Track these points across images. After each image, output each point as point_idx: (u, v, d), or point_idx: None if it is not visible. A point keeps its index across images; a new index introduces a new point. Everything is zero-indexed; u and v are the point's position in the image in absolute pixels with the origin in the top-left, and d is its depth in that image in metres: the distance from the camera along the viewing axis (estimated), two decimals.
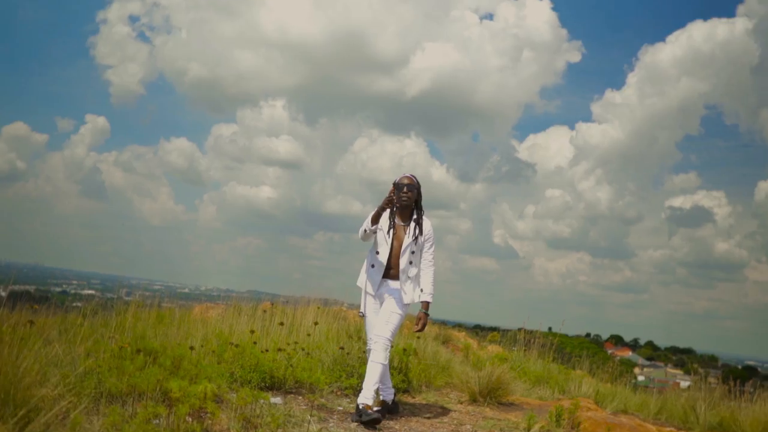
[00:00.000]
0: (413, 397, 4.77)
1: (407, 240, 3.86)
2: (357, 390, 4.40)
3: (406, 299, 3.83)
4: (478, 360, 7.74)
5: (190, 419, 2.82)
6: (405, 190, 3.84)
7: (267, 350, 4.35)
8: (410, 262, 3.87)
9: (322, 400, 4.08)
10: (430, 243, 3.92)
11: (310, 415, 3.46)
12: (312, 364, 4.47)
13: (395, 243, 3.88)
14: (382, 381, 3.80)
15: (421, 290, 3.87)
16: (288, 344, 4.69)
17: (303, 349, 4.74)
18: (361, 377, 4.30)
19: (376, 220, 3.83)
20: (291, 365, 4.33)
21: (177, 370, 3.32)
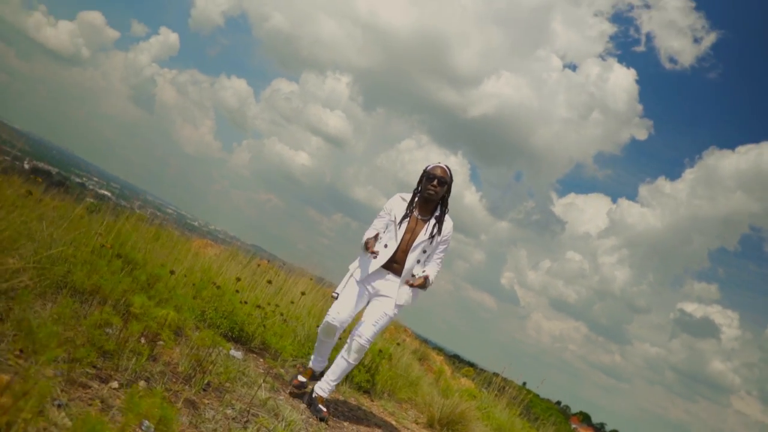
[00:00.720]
0: (372, 401, 4.57)
1: (422, 236, 3.40)
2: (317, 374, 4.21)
3: (401, 300, 3.40)
4: (447, 387, 7.52)
5: (143, 340, 2.66)
6: (435, 182, 3.38)
7: (246, 302, 4.18)
8: (418, 261, 3.42)
9: (282, 370, 3.90)
10: (445, 246, 3.49)
11: (263, 381, 3.27)
12: (285, 332, 4.29)
13: (407, 236, 3.41)
14: (320, 353, 3.56)
15: (423, 271, 3.43)
16: (269, 304, 4.52)
17: (282, 315, 4.57)
18: (330, 361, 4.05)
19: (366, 246, 3.37)
20: (264, 325, 4.16)
21: (149, 288, 3.16)
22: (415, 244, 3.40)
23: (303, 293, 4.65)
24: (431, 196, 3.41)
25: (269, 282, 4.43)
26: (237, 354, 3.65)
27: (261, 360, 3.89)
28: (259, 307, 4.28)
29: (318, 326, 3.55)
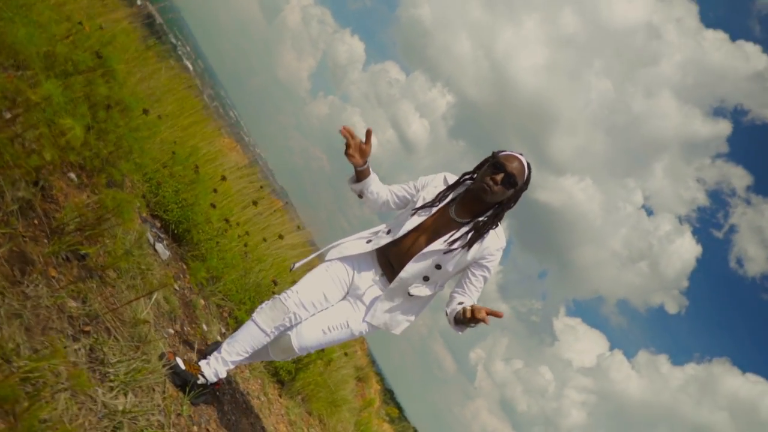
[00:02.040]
0: (280, 396, 3.69)
1: (439, 244, 2.17)
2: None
3: (377, 321, 2.26)
4: (366, 425, 6.73)
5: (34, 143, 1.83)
6: (501, 177, 2.12)
7: (215, 206, 3.35)
8: (425, 278, 2.21)
9: (201, 302, 3.05)
10: (486, 270, 2.22)
11: (158, 294, 2.40)
12: (236, 264, 3.44)
13: (423, 235, 2.21)
14: (240, 344, 2.14)
15: (460, 303, 2.16)
16: (239, 224, 3.69)
17: (246, 245, 3.73)
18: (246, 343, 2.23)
19: (357, 175, 2.27)
20: (218, 241, 3.32)
21: (104, 108, 2.33)
22: (427, 249, 2.17)
23: (281, 236, 3.81)
24: (485, 193, 2.15)
25: (254, 203, 3.61)
26: (162, 251, 2.82)
27: (184, 278, 3.05)
28: (226, 221, 3.46)
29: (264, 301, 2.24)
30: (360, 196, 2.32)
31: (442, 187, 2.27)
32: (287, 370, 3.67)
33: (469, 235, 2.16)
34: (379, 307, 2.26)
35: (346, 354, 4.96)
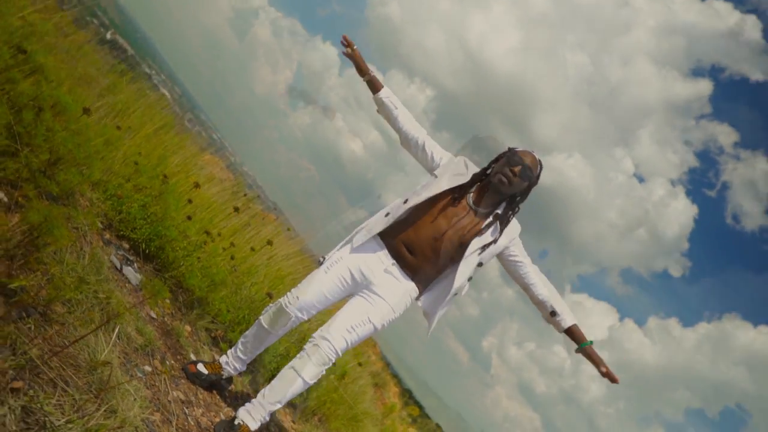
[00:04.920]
0: (294, 422, 3.28)
1: (484, 239, 2.20)
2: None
3: (399, 307, 2.22)
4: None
5: None
6: (518, 170, 2.21)
7: (191, 218, 2.95)
8: (469, 279, 2.26)
9: (187, 328, 2.63)
10: (518, 250, 2.31)
11: (119, 328, 1.98)
12: (221, 280, 3.01)
13: (447, 224, 2.20)
14: (249, 347, 2.32)
15: (553, 313, 2.33)
16: (220, 235, 3.28)
17: (232, 258, 3.31)
18: (257, 341, 2.39)
19: (371, 86, 2.44)
20: (198, 258, 2.91)
21: (46, 118, 1.92)
22: (472, 249, 2.18)
23: (270, 242, 3.39)
24: (502, 185, 2.22)
25: (236, 210, 3.19)
26: (132, 276, 2.40)
27: (167, 301, 2.64)
28: (207, 233, 3.05)
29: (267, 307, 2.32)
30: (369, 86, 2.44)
31: (464, 172, 2.29)
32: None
33: (498, 225, 2.24)
34: (409, 294, 2.24)
35: (360, 364, 4.57)
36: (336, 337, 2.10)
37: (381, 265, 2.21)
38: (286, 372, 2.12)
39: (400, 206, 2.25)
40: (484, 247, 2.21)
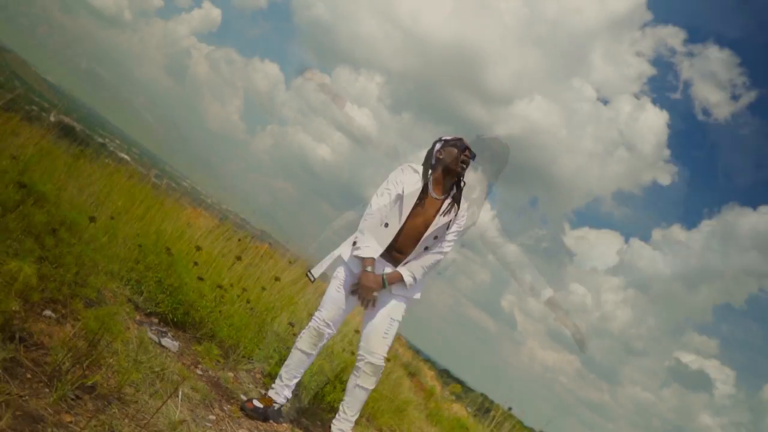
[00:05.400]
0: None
1: (439, 219, 2.62)
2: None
3: (415, 293, 2.72)
4: (437, 412, 6.66)
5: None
6: (468, 153, 2.65)
7: (203, 279, 3.24)
8: (426, 248, 2.66)
9: (230, 374, 2.94)
10: (457, 231, 2.71)
11: (183, 388, 2.30)
12: (246, 324, 3.33)
13: (418, 219, 2.62)
14: (294, 372, 2.72)
15: (405, 263, 2.68)
16: (233, 285, 3.58)
17: (248, 302, 3.61)
18: (299, 366, 3.11)
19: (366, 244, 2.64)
20: (220, 311, 3.21)
21: (48, 234, 2.22)
22: (431, 230, 2.61)
23: (277, 278, 3.69)
24: (463, 170, 2.67)
25: (238, 258, 3.49)
26: (171, 344, 2.71)
27: (206, 358, 2.94)
28: (220, 287, 3.35)
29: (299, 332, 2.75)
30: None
31: (415, 176, 2.67)
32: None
33: (454, 204, 2.67)
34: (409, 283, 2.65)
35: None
36: (378, 347, 2.64)
37: (381, 271, 2.63)
38: (355, 390, 2.70)
39: (382, 230, 2.62)
40: (446, 226, 2.62)
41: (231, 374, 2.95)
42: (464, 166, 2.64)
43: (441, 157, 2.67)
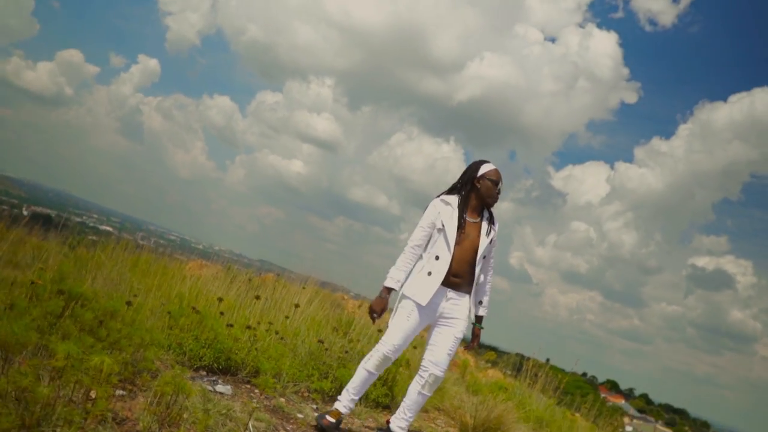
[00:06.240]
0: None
1: (484, 242, 3.04)
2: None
3: (471, 315, 3.13)
4: (475, 383, 6.93)
5: (80, 395, 2.06)
6: (499, 189, 3.10)
7: (232, 325, 3.58)
8: (481, 269, 3.10)
9: (282, 400, 3.29)
10: (496, 246, 3.18)
11: (252, 417, 2.65)
12: (282, 353, 3.68)
13: (466, 244, 3.02)
14: (360, 389, 3.07)
15: (480, 302, 3.16)
16: (260, 323, 3.92)
17: (277, 333, 3.96)
18: (337, 380, 3.60)
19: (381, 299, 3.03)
20: (256, 349, 3.56)
21: (99, 327, 2.56)
22: (480, 251, 3.03)
23: (296, 305, 4.04)
24: (494, 201, 3.12)
25: (257, 297, 3.83)
26: (224, 389, 3.05)
27: (257, 390, 3.29)
28: (249, 327, 3.69)
29: (372, 357, 3.05)
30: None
31: (449, 208, 3.05)
32: (383, 394, 3.93)
33: (491, 225, 3.11)
34: (471, 306, 3.08)
35: (414, 347, 5.22)
36: (443, 362, 2.99)
37: (444, 299, 2.99)
38: (417, 397, 3.05)
39: (435, 263, 2.98)
40: (490, 244, 3.07)
41: (282, 399, 3.30)
42: (496, 200, 3.10)
43: (478, 186, 3.07)
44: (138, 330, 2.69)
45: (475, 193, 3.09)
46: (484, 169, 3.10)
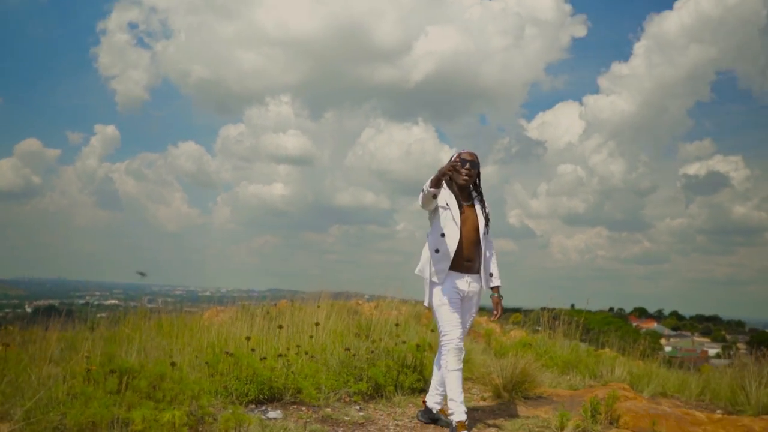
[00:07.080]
0: None
1: (482, 221, 3.34)
2: (366, 395, 3.98)
3: (484, 289, 3.42)
4: (501, 347, 7.25)
5: None
6: (468, 166, 3.30)
7: (265, 357, 3.93)
8: (485, 246, 3.37)
9: (327, 409, 3.66)
10: (491, 223, 3.46)
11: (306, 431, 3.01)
12: (315, 369, 4.04)
13: (469, 225, 3.29)
14: (461, 389, 3.26)
15: (491, 274, 3.42)
16: (289, 348, 4.27)
17: (306, 353, 4.32)
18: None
19: (437, 183, 3.15)
20: (292, 372, 3.91)
21: (155, 391, 2.90)
22: (482, 231, 3.33)
23: (317, 324, 4.40)
24: (466, 182, 3.34)
25: (280, 327, 4.19)
26: (275, 414, 3.41)
27: (303, 408, 3.65)
28: (280, 356, 4.04)
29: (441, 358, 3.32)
30: (434, 196, 3.24)
31: (450, 195, 3.31)
32: (416, 380, 4.29)
33: (484, 207, 3.42)
34: (482, 282, 3.37)
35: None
36: (461, 337, 3.21)
37: (465, 283, 3.28)
38: (453, 374, 3.18)
39: (442, 240, 3.23)
40: (486, 224, 3.36)
41: (328, 409, 3.66)
42: (467, 179, 3.31)
43: (452, 178, 3.33)
44: (187, 384, 3.04)
45: (454, 183, 3.34)
46: (454, 156, 3.37)
